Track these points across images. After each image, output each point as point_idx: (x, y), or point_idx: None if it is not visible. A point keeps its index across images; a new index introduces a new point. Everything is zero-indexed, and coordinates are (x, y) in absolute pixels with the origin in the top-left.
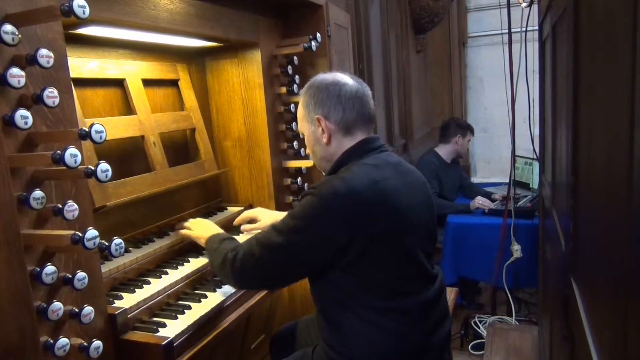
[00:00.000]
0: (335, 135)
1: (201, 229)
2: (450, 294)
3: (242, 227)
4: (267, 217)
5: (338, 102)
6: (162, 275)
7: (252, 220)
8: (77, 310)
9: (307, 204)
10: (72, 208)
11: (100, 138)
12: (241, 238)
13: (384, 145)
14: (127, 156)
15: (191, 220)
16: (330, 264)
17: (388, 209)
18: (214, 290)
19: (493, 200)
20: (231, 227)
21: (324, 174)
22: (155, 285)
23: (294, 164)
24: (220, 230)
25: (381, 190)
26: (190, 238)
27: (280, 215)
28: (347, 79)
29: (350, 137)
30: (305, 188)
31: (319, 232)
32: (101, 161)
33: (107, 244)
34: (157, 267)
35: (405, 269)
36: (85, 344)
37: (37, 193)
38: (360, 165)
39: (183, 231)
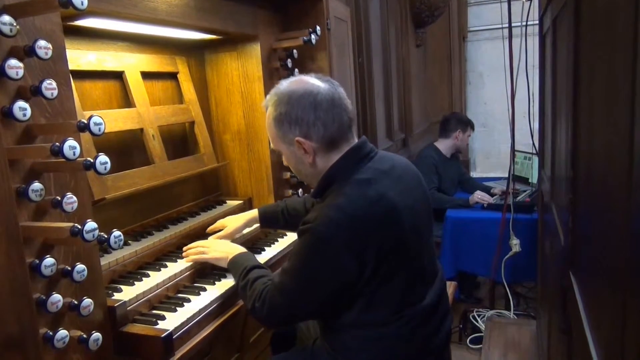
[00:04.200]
0: (319, 153)
1: (214, 250)
2: (449, 288)
3: (210, 238)
4: (233, 222)
5: (317, 118)
6: (162, 268)
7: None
8: (76, 302)
9: (307, 242)
10: (71, 200)
11: (99, 130)
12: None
13: (372, 149)
14: (126, 149)
15: (199, 242)
16: (350, 287)
17: (391, 225)
18: (213, 284)
19: (492, 195)
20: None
21: (310, 187)
22: (155, 278)
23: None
24: (238, 250)
25: (381, 208)
26: (207, 261)
27: (246, 217)
28: (317, 84)
29: (336, 150)
30: (304, 182)
31: (327, 267)
32: (100, 153)
33: (106, 236)
34: (156, 260)
35: (412, 278)
36: (84, 336)
37: (36, 185)
38: (352, 184)
39: (195, 257)
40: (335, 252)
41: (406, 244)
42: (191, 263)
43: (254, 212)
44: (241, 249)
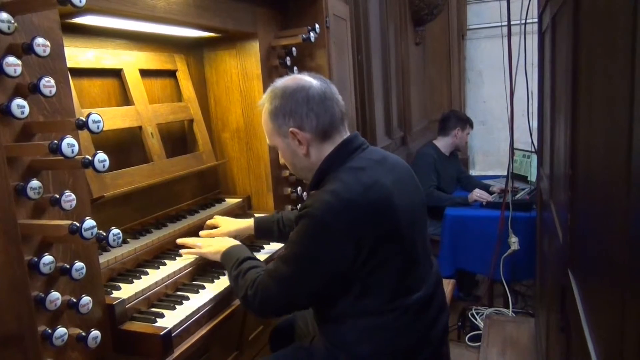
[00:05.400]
0: (313, 144)
1: (211, 244)
2: (448, 286)
3: (200, 233)
4: (227, 224)
5: (309, 109)
6: (160, 266)
7: (213, 228)
8: (75, 300)
9: (305, 228)
10: (69, 198)
11: (98, 128)
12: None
13: (365, 142)
14: (125, 147)
15: (194, 238)
16: (344, 273)
17: (386, 210)
18: (212, 281)
19: (491, 193)
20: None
21: (306, 182)
22: (154, 276)
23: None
24: (232, 243)
25: (375, 193)
26: (201, 255)
27: (241, 224)
28: (310, 80)
29: (329, 141)
30: (303, 180)
31: (325, 252)
32: (98, 151)
33: (104, 234)
34: (155, 257)
35: (406, 267)
36: (83, 333)
37: (34, 183)
38: (347, 171)
39: (191, 250)
40: (333, 237)
41: (400, 231)
42: (190, 260)
43: (249, 221)
44: (235, 242)
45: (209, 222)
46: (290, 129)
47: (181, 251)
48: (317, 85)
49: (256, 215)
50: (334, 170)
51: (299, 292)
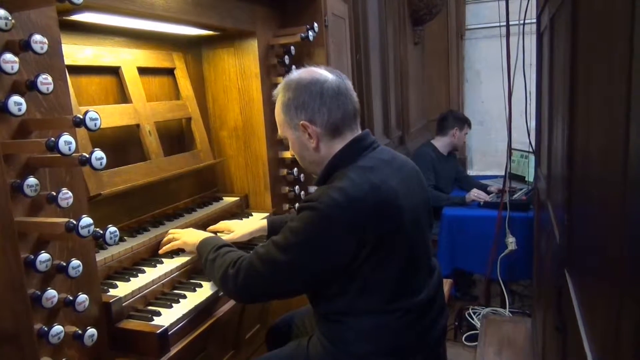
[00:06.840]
0: (323, 139)
1: (186, 235)
2: (445, 285)
3: None
4: (241, 228)
5: (322, 104)
6: (158, 264)
7: (226, 231)
8: (71, 298)
9: (308, 219)
10: (66, 196)
11: (95, 125)
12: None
13: (375, 141)
14: (122, 145)
15: (172, 230)
16: (341, 270)
17: (391, 211)
18: (209, 280)
19: (489, 193)
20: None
21: (314, 176)
22: (151, 274)
23: (290, 154)
24: (208, 234)
25: (383, 193)
26: (177, 247)
27: (254, 225)
28: (326, 74)
29: (339, 137)
30: (301, 179)
31: (325, 245)
32: (96, 149)
33: (101, 232)
34: (152, 256)
35: (406, 268)
36: (79, 331)
37: (31, 180)
38: (356, 169)
39: (167, 246)
40: (335, 232)
41: (404, 231)
42: (187, 259)
43: (263, 223)
44: (208, 233)
45: (218, 227)
46: (301, 122)
47: (160, 251)
48: (332, 79)
49: (267, 215)
50: (343, 167)
51: (287, 280)
